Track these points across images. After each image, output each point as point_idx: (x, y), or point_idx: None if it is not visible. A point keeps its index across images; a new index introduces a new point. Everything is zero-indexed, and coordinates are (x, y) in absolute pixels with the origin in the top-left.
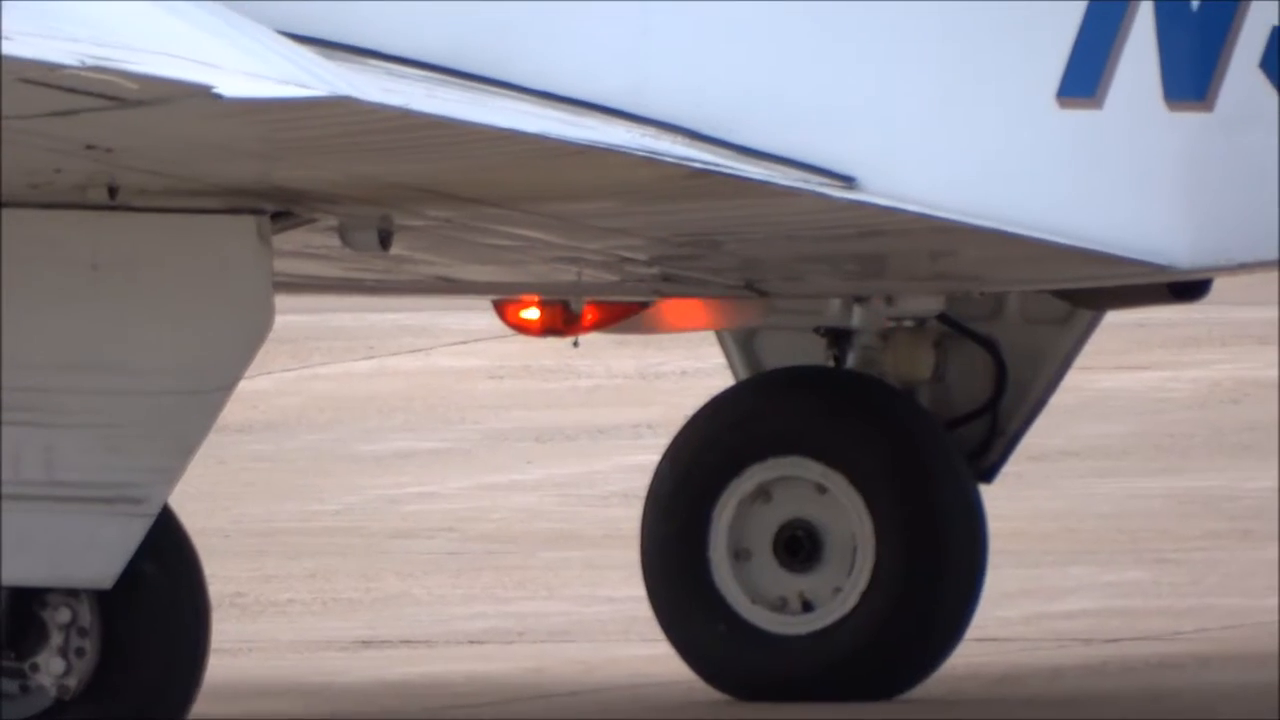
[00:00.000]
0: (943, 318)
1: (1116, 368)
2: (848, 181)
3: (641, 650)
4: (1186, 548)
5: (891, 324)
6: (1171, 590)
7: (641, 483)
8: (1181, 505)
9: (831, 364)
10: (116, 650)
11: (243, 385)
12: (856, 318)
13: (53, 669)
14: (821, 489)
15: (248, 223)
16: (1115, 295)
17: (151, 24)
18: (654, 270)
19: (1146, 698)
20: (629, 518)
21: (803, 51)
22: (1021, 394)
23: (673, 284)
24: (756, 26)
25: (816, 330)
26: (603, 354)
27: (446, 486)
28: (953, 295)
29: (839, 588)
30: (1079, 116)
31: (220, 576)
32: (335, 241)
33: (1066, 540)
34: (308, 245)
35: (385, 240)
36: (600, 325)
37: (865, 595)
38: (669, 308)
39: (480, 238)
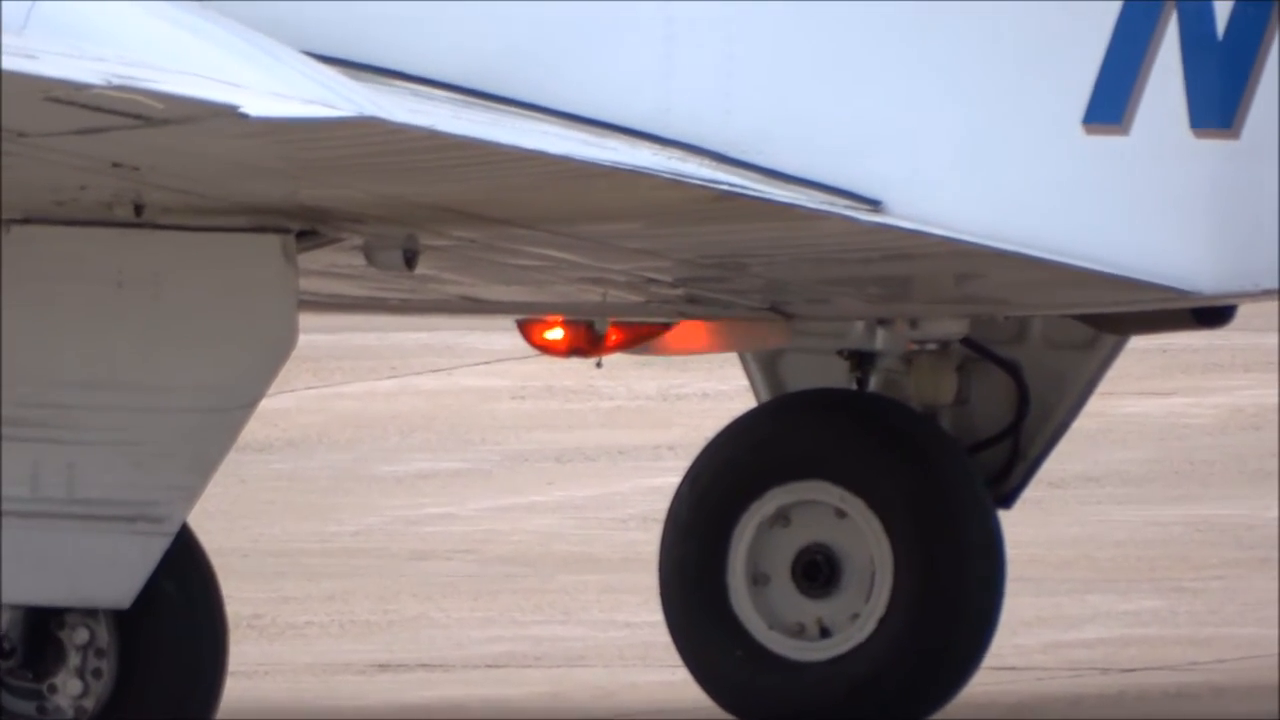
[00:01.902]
0: (966, 341)
1: (1139, 393)
2: (874, 205)
3: (659, 676)
4: (1205, 576)
5: (915, 347)
6: (1190, 619)
7: (661, 505)
8: (1201, 533)
9: (854, 387)
10: (133, 671)
11: (264, 403)
12: (880, 341)
13: (70, 690)
14: (841, 513)
15: (273, 241)
16: (1139, 320)
17: (178, 44)
18: (679, 291)
19: None
20: (648, 541)
21: (829, 75)
22: (1044, 418)
23: (697, 306)
24: (783, 50)
25: (839, 353)
26: (625, 375)
27: (466, 508)
28: (977, 319)
29: (857, 614)
30: (1105, 143)
31: (238, 598)
32: (360, 261)
33: (1085, 568)
34: (333, 264)
35: (410, 260)
36: (624, 346)
37: (883, 622)
38: (692, 329)
39: (505, 258)
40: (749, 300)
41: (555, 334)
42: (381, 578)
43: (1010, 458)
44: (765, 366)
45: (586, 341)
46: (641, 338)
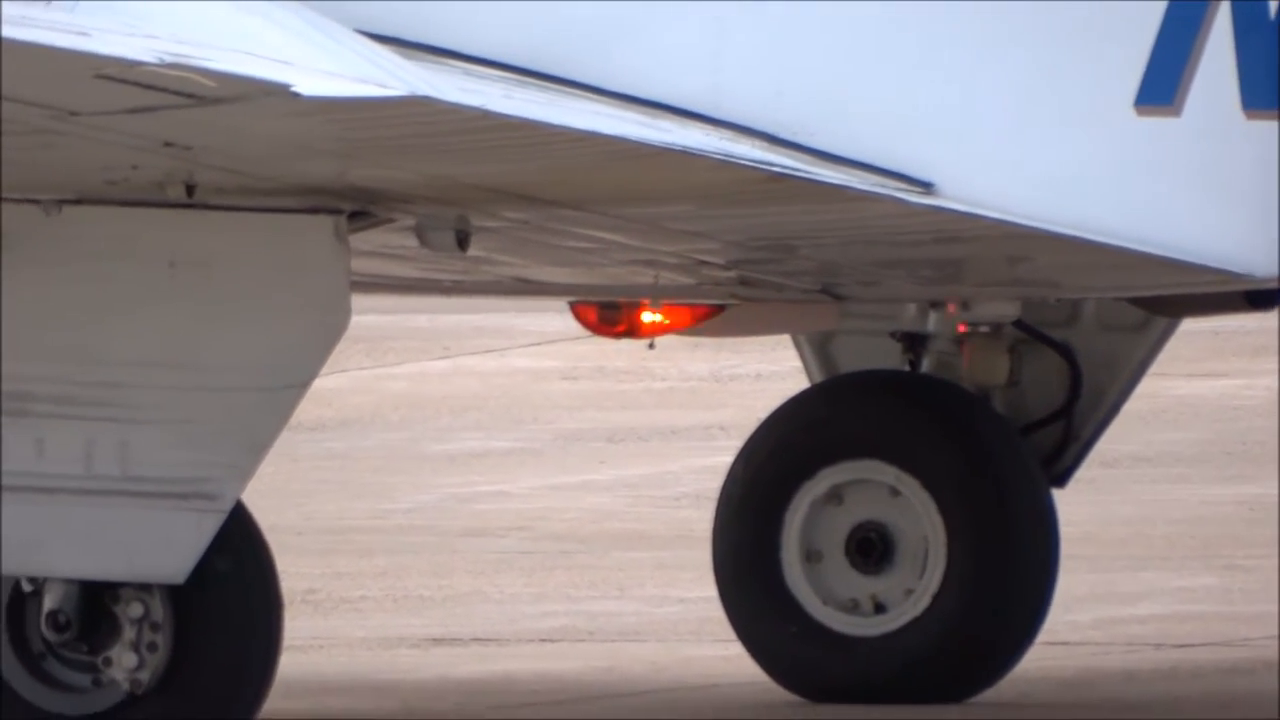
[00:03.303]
0: (1018, 323)
1: (1190, 375)
2: (925, 187)
3: (713, 651)
4: (1257, 555)
5: (967, 329)
6: (1242, 596)
7: (713, 484)
8: (1253, 512)
9: (907, 368)
10: (188, 645)
11: (317, 383)
12: (932, 323)
13: (125, 663)
14: (895, 492)
15: (325, 222)
16: (1191, 303)
17: (230, 22)
18: (731, 274)
19: (1216, 703)
20: (701, 519)
21: (880, 56)
22: (1096, 400)
23: (749, 288)
24: (834, 31)
25: (892, 335)
26: (677, 356)
27: (518, 486)
28: (1028, 301)
29: (911, 590)
30: (1157, 124)
31: (292, 573)
32: (412, 242)
33: (1138, 545)
34: (385, 245)
35: (463, 241)
36: (676, 328)
37: (937, 598)
38: (745, 311)
39: (557, 239)
40: (801, 282)
41: (608, 315)
42: (435, 554)
43: (1063, 438)
44: (818, 348)
45: (638, 323)
46: (694, 319)
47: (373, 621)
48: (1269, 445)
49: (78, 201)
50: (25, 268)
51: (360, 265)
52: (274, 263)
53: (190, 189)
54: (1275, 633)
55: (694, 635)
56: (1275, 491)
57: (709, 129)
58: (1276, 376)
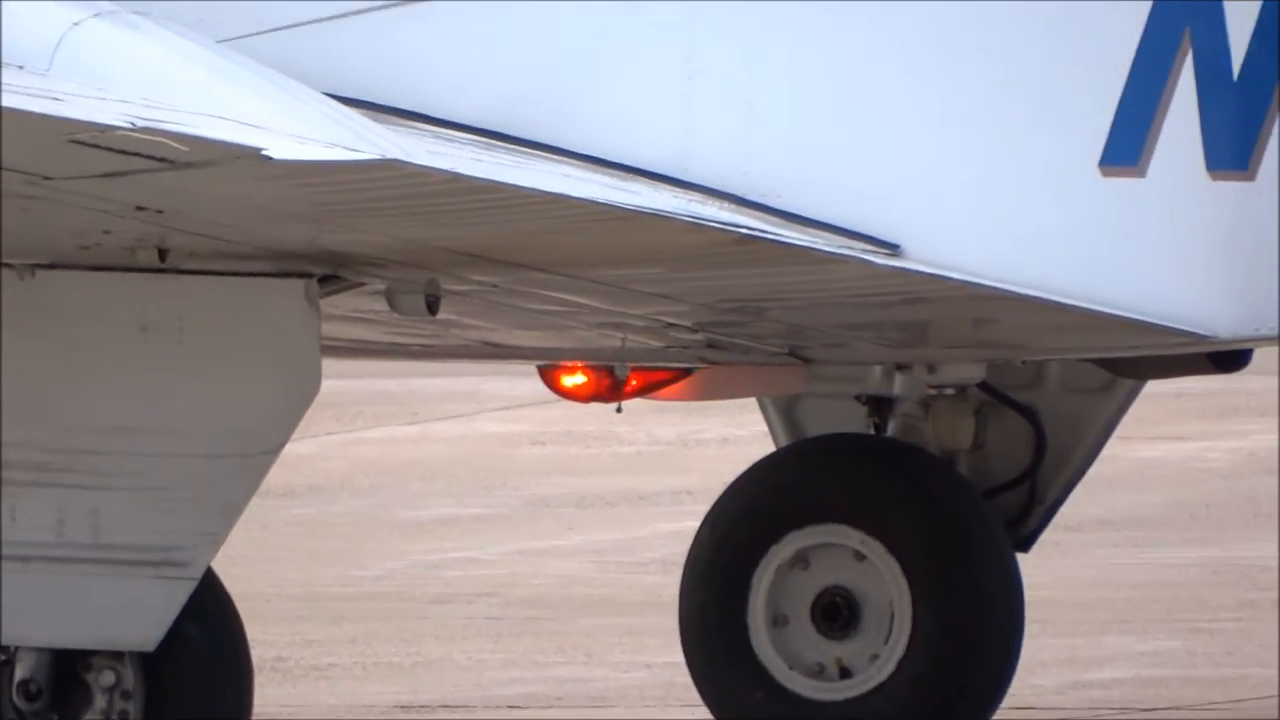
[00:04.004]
0: (983, 386)
1: (1154, 438)
2: (892, 249)
3: (681, 715)
4: (1221, 618)
5: (933, 392)
6: (1207, 660)
7: (681, 549)
8: (1217, 575)
9: (872, 432)
10: (159, 713)
11: (286, 449)
12: (898, 386)
13: None
14: (860, 556)
15: (296, 286)
16: (1156, 364)
17: (200, 86)
18: (698, 336)
19: None
20: (668, 584)
21: (847, 119)
22: (1061, 463)
23: (717, 350)
24: (801, 94)
25: (858, 398)
26: (644, 420)
27: (487, 552)
28: (994, 364)
29: (876, 654)
30: (1122, 185)
31: (262, 640)
32: (383, 305)
33: (1102, 609)
34: (355, 309)
35: (432, 305)
36: (644, 392)
37: (902, 662)
38: (711, 375)
39: (526, 303)
40: (768, 345)
41: (575, 379)
42: (404, 621)
43: (1028, 501)
44: (784, 411)
45: (606, 387)
46: (661, 383)
47: (342, 688)
48: (1233, 508)
49: (51, 266)
50: None
51: (330, 329)
52: (245, 327)
53: (162, 253)
54: (1240, 697)
55: (661, 701)
56: (1238, 554)
57: (678, 192)
58: (1238, 439)
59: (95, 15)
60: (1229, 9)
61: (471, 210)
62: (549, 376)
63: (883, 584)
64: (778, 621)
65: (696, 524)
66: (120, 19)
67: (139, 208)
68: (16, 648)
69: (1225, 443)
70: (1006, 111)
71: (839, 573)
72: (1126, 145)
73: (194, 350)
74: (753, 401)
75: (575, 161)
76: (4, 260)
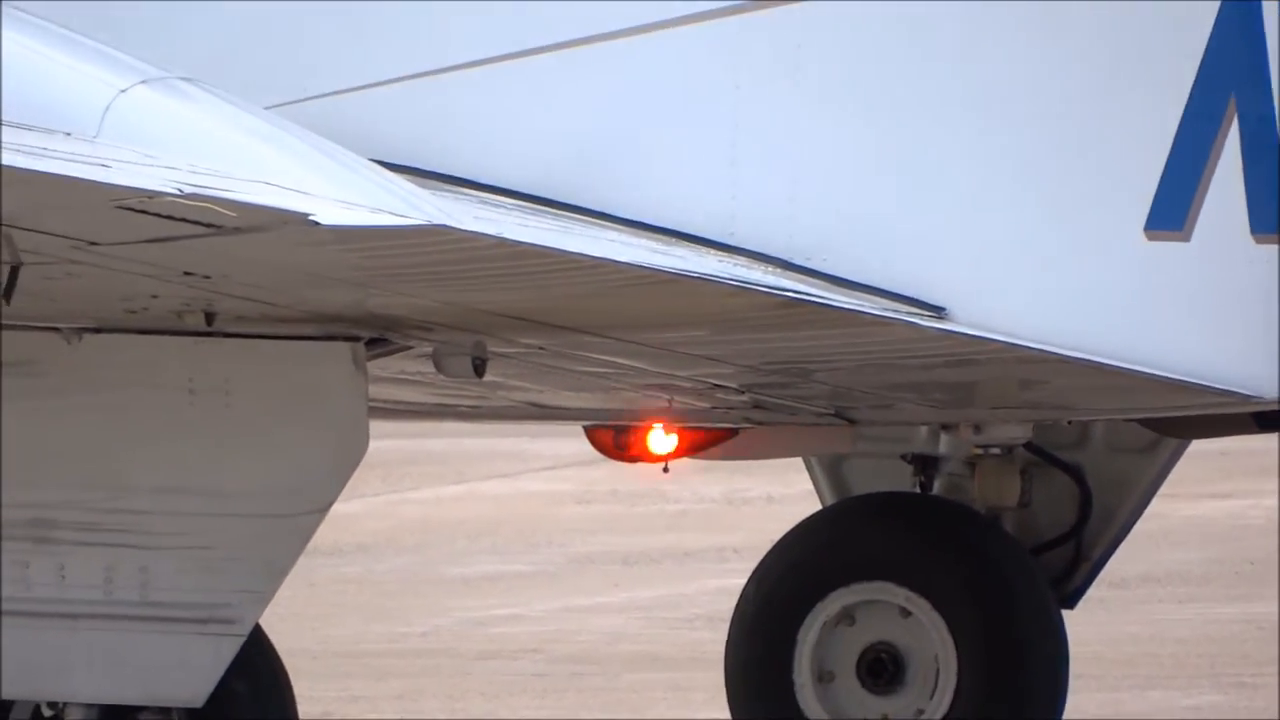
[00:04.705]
0: (1029, 446)
1: (1198, 495)
2: (938, 311)
3: None
4: (1265, 673)
5: (979, 452)
6: (1250, 714)
7: (726, 606)
8: (1261, 631)
9: (918, 490)
10: None
11: (334, 508)
12: (944, 445)
13: None
14: (906, 613)
15: (343, 349)
16: (1200, 424)
17: (248, 152)
18: (744, 398)
19: None
20: (713, 640)
21: (892, 182)
22: (1106, 521)
23: (763, 411)
24: (846, 158)
25: (903, 457)
26: (690, 480)
27: (532, 609)
28: (1040, 424)
29: (922, 710)
30: (1166, 249)
31: (308, 697)
32: (429, 368)
33: (1147, 665)
34: (402, 371)
35: (479, 367)
36: (690, 452)
37: (947, 718)
38: (758, 434)
39: (572, 365)
40: (814, 406)
41: (621, 440)
42: (450, 677)
43: (1073, 559)
44: (830, 470)
45: (652, 447)
46: (707, 443)
47: None
48: (1274, 564)
49: (98, 330)
50: (47, 396)
51: (377, 391)
52: (293, 389)
53: (209, 317)
54: None
55: None
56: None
57: (723, 256)
58: (1277, 496)
59: (143, 81)
60: (1274, 76)
61: (517, 275)
62: (595, 437)
63: (928, 640)
64: (823, 677)
65: (742, 581)
66: (167, 85)
67: (186, 273)
68: (65, 704)
69: (1268, 500)
70: (1053, 175)
71: (884, 629)
72: (1171, 210)
73: (242, 412)
74: (798, 460)
75: (620, 226)
76: (52, 325)
